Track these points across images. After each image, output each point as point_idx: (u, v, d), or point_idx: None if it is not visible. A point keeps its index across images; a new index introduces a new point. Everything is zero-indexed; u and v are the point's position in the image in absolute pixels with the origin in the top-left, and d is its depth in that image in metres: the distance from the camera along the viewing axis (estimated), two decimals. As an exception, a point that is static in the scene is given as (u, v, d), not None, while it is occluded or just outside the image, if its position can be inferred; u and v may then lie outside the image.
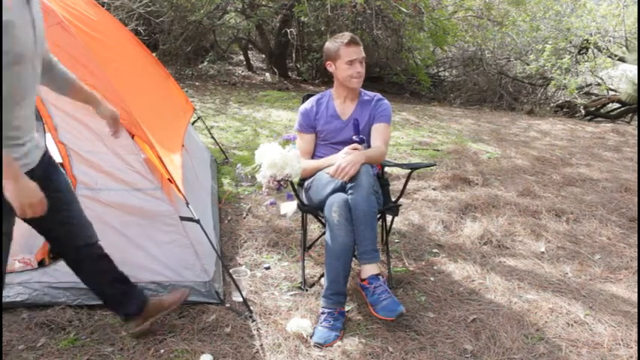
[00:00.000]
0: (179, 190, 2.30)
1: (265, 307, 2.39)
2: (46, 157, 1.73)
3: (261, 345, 2.10)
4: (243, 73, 10.91)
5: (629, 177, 4.61)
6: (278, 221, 3.37)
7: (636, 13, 8.93)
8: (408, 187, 2.86)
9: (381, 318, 2.17)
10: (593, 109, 9.46)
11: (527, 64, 9.98)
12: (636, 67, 8.83)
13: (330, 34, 8.53)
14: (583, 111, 9.24)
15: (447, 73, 11.97)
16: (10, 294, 2.23)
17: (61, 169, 1.83)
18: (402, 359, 2.04)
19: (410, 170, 2.62)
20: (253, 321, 2.26)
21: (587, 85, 10.14)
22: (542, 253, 3.05)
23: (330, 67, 2.56)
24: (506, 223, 3.41)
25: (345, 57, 2.47)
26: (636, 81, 8.79)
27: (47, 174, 1.65)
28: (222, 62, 10.98)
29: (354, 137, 2.54)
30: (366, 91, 2.67)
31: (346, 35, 2.50)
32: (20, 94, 1.50)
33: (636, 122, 8.96)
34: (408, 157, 5.09)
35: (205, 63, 10.53)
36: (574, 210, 3.67)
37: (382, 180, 2.80)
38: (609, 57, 9.55)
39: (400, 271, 2.78)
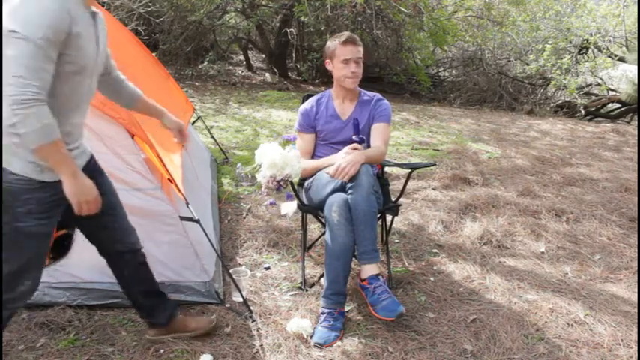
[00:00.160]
0: (179, 190, 2.30)
1: (265, 307, 2.39)
2: (92, 162, 1.79)
3: (261, 345, 2.10)
4: (243, 73, 10.92)
5: (629, 177, 4.61)
6: (278, 221, 3.37)
7: (636, 13, 8.93)
8: (408, 187, 2.86)
9: (381, 318, 2.17)
10: (593, 109, 9.46)
11: (527, 64, 9.99)
12: (636, 67, 8.84)
13: (330, 34, 8.54)
14: (583, 111, 9.24)
15: (447, 73, 11.97)
16: (10, 294, 2.23)
17: (106, 174, 1.87)
18: (402, 359, 2.04)
19: (410, 170, 2.62)
20: (253, 321, 2.26)
21: (587, 85, 10.14)
22: (542, 253, 3.05)
23: (329, 66, 2.57)
24: (506, 223, 3.41)
25: (341, 56, 2.48)
26: (636, 81, 8.79)
27: (93, 178, 1.68)
28: (222, 62, 10.98)
29: (353, 137, 2.54)
30: (366, 91, 2.68)
31: (345, 34, 2.51)
32: (75, 103, 1.59)
33: (636, 122, 8.96)
34: (408, 157, 5.09)
35: (205, 63, 10.54)
36: (574, 210, 3.67)
37: (382, 180, 2.80)
38: (609, 57, 9.55)
39: (400, 271, 2.78)
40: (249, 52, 11.75)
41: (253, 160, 2.31)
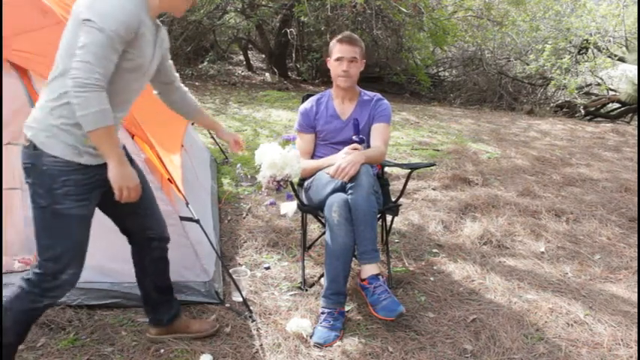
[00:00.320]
0: (179, 190, 2.29)
1: (265, 307, 2.39)
2: (126, 153, 1.82)
3: (261, 345, 2.10)
4: (243, 73, 10.92)
5: (629, 177, 4.61)
6: (278, 221, 3.37)
7: (636, 13, 8.93)
8: (408, 187, 2.86)
9: (381, 318, 2.17)
10: (593, 109, 9.46)
11: (527, 64, 9.99)
12: (636, 67, 8.84)
13: (330, 34, 8.55)
14: (583, 111, 9.24)
15: (446, 73, 11.98)
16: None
17: (137, 164, 1.92)
18: (402, 359, 2.04)
19: (410, 170, 2.62)
20: (253, 321, 2.26)
21: (587, 85, 10.14)
22: (542, 253, 3.05)
23: (329, 64, 2.59)
24: (506, 223, 3.41)
25: (335, 54, 2.50)
26: (636, 81, 8.79)
27: None
28: (222, 62, 10.99)
29: (353, 137, 2.54)
30: (366, 91, 2.68)
31: (344, 34, 2.52)
32: (124, 98, 1.69)
33: (636, 122, 8.96)
34: (408, 157, 5.09)
35: (205, 63, 10.54)
36: (574, 210, 3.67)
37: (382, 180, 2.80)
38: (609, 57, 9.55)
39: (400, 271, 2.78)
40: (249, 52, 11.76)
41: (253, 160, 2.32)
